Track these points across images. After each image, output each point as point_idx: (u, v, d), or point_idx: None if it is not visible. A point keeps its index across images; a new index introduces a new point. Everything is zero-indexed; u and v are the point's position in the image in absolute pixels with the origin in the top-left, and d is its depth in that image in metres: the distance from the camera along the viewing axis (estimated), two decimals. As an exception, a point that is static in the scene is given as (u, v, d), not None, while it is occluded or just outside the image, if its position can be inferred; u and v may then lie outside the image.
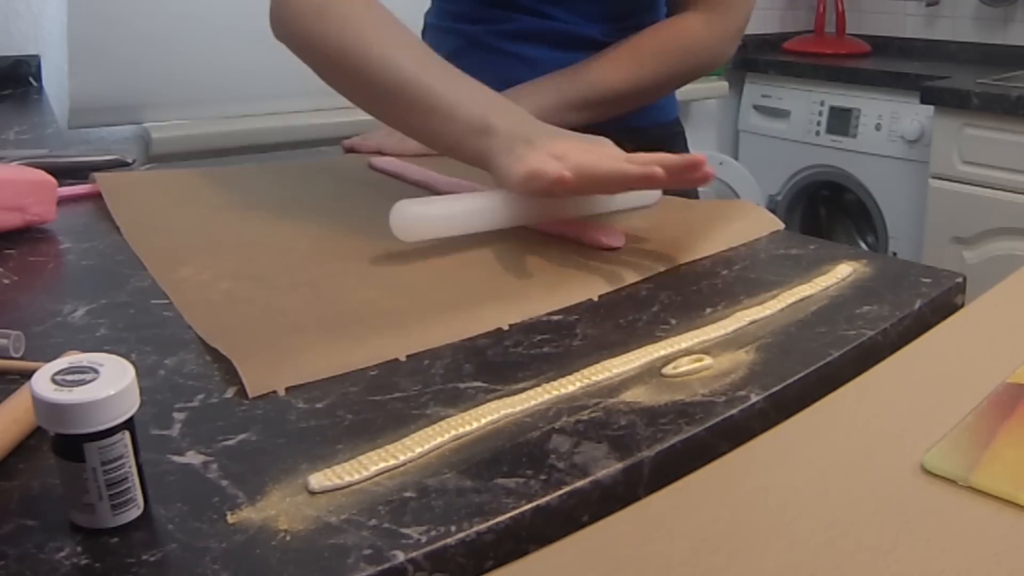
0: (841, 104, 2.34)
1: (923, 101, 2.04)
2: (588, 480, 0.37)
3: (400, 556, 0.32)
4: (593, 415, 0.42)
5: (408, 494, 0.36)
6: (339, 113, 1.79)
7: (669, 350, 0.49)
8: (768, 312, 0.54)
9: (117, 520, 0.34)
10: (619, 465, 0.38)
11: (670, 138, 1.06)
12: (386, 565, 0.32)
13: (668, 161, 0.57)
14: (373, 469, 0.37)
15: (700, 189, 0.83)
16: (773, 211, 0.91)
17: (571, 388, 0.45)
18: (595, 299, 0.56)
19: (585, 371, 0.46)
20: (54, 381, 0.33)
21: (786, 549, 0.34)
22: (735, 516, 0.36)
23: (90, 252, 0.65)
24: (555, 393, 0.44)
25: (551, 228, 0.67)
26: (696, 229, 0.67)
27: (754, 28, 2.70)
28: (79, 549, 0.33)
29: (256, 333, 0.50)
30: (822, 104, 2.38)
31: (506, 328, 0.52)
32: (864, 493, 0.37)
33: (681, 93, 1.04)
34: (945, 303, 0.57)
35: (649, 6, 0.99)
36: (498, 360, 0.48)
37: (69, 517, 0.34)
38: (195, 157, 1.56)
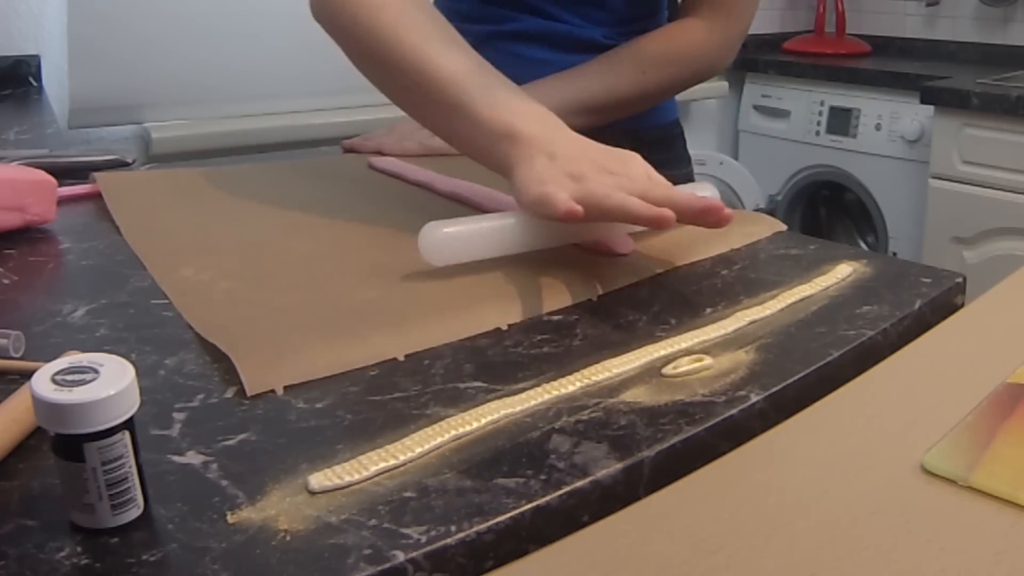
0: (841, 104, 2.34)
1: (923, 101, 2.04)
2: (588, 480, 0.37)
3: (400, 556, 0.32)
4: (593, 415, 0.42)
5: (408, 494, 0.36)
6: (339, 113, 1.79)
7: (669, 350, 0.49)
8: (768, 312, 0.54)
9: (117, 520, 0.34)
10: (619, 465, 0.38)
11: (669, 139, 1.06)
12: (386, 565, 0.32)
13: (683, 203, 0.55)
14: (373, 469, 0.37)
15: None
16: (772, 211, 0.91)
17: (571, 388, 0.45)
18: (595, 299, 0.56)
19: (585, 371, 0.46)
20: (54, 381, 0.33)
21: (786, 549, 0.34)
22: (735, 516, 0.36)
23: (90, 252, 0.65)
24: (555, 393, 0.44)
25: None
26: (697, 230, 0.67)
27: (754, 28, 2.68)
28: (79, 549, 0.33)
29: (256, 332, 0.50)
30: (822, 104, 2.38)
31: (506, 328, 0.52)
32: (864, 493, 0.37)
33: (681, 94, 1.04)
34: (945, 303, 0.57)
35: (653, 10, 0.99)
36: (498, 360, 0.48)
37: (69, 517, 0.34)
38: (195, 157, 1.56)
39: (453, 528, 0.34)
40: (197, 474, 0.37)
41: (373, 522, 0.34)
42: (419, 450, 0.39)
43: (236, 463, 0.38)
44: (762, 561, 0.33)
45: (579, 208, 0.54)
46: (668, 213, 0.53)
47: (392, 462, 0.38)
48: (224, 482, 0.37)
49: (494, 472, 0.38)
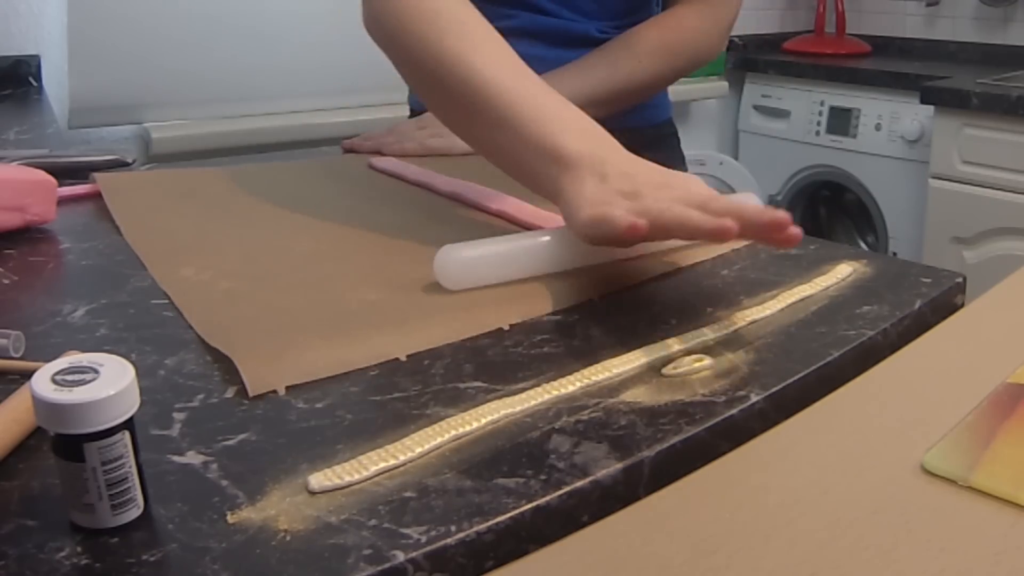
0: (841, 104, 2.34)
1: (923, 101, 2.04)
2: (588, 480, 0.37)
3: (400, 556, 0.32)
4: (593, 415, 0.42)
5: (408, 494, 0.36)
6: (339, 113, 1.79)
7: (669, 350, 0.49)
8: (768, 312, 0.54)
9: (117, 520, 0.34)
10: (619, 465, 0.38)
11: (663, 139, 1.06)
12: (386, 565, 0.32)
13: (749, 215, 0.51)
14: (373, 469, 0.37)
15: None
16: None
17: (571, 388, 0.45)
18: (595, 299, 0.56)
19: (585, 371, 0.46)
20: (54, 381, 0.33)
21: (786, 549, 0.34)
22: (735, 516, 0.36)
23: (90, 252, 0.65)
24: (555, 393, 0.44)
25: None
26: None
27: (754, 28, 2.71)
28: (79, 549, 0.33)
29: (257, 332, 0.50)
30: (822, 104, 2.38)
31: (506, 328, 0.52)
32: (864, 493, 0.37)
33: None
34: (945, 303, 0.57)
35: (645, 2, 0.99)
36: (498, 360, 0.48)
37: (69, 517, 0.34)
38: (195, 157, 1.56)
39: (453, 528, 0.34)
40: (197, 474, 0.37)
41: (373, 522, 0.34)
42: (419, 450, 0.39)
43: (236, 463, 0.38)
44: (762, 561, 0.33)
45: (642, 222, 0.51)
46: (730, 223, 0.49)
47: (392, 462, 0.38)
48: (224, 482, 0.37)
49: (494, 472, 0.38)
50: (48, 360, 0.36)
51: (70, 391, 0.32)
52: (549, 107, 0.61)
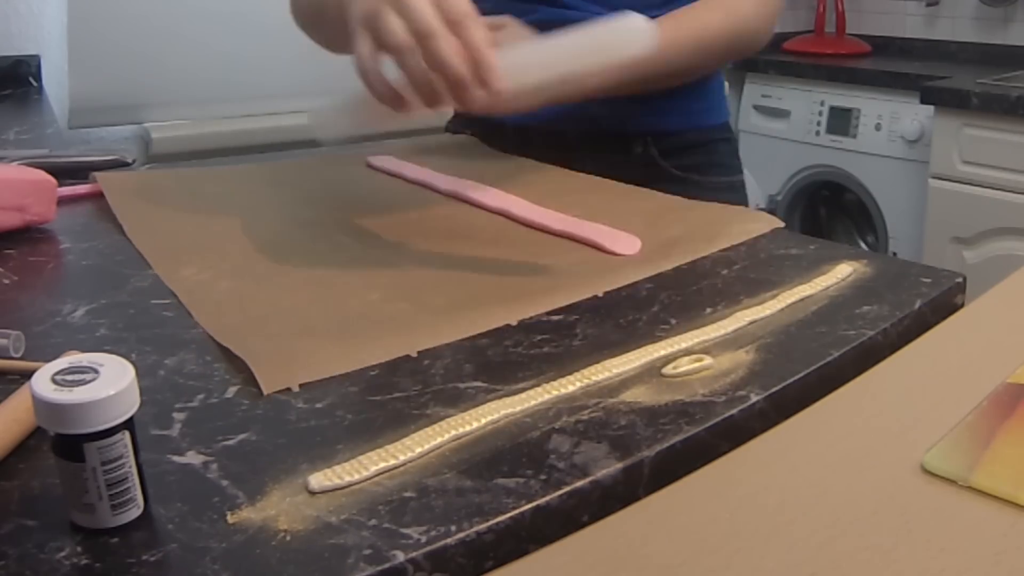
0: (841, 104, 2.34)
1: (923, 101, 2.04)
2: (588, 480, 0.37)
3: (400, 556, 0.32)
4: (593, 415, 0.42)
5: (408, 494, 0.36)
6: (339, 113, 1.79)
7: (669, 350, 0.49)
8: (768, 312, 0.54)
9: (117, 520, 0.34)
10: (619, 465, 0.38)
11: (716, 143, 1.05)
12: (386, 565, 0.32)
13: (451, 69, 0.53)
14: (373, 469, 0.37)
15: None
16: (773, 211, 0.91)
17: (571, 388, 0.45)
18: (597, 297, 0.56)
19: (585, 371, 0.46)
20: (54, 381, 0.33)
21: (786, 549, 0.34)
22: (735, 516, 0.36)
23: (90, 252, 0.65)
24: (555, 393, 0.44)
25: (559, 230, 0.67)
26: (696, 229, 0.67)
27: (754, 28, 2.70)
28: (79, 549, 0.33)
29: (265, 331, 0.50)
30: (822, 104, 2.38)
31: (514, 323, 0.52)
32: (864, 493, 0.37)
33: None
34: (945, 303, 0.57)
35: None
36: (498, 360, 0.48)
37: (69, 517, 0.34)
38: (195, 157, 1.56)
39: (453, 528, 0.34)
40: (197, 474, 0.37)
41: (373, 522, 0.34)
42: (419, 450, 0.39)
43: (236, 463, 0.38)
44: (762, 561, 0.33)
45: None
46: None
47: (392, 462, 0.38)
48: (224, 482, 0.37)
49: (494, 472, 0.38)
50: (48, 360, 0.36)
51: (70, 391, 0.32)
52: None
